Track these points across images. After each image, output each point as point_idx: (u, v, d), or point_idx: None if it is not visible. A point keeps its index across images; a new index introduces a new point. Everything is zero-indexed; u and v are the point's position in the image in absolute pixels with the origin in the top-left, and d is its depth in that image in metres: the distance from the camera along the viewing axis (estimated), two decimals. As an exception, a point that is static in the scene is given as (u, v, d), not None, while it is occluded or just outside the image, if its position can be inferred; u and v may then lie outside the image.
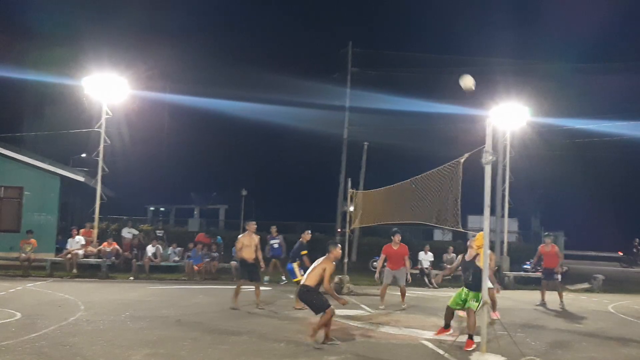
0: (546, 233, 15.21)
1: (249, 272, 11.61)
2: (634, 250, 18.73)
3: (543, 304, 13.88)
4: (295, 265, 12.27)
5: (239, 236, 11.95)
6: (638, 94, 29.98)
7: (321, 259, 8.55)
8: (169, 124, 39.21)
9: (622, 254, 31.54)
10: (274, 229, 17.68)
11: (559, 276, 14.24)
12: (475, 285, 8.42)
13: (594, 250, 36.29)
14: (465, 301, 8.67)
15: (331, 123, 29.95)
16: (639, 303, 15.42)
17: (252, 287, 11.80)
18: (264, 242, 13.88)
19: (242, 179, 36.58)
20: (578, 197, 38.38)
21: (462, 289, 8.87)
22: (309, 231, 13.43)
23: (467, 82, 8.71)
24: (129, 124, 26.92)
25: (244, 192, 31.05)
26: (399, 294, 12.44)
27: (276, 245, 17.35)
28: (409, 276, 12.74)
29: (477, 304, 8.37)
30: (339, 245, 8.85)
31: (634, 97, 29.79)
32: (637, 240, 19.28)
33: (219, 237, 23.64)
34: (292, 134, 34.80)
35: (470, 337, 8.30)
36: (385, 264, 12.71)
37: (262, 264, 12.17)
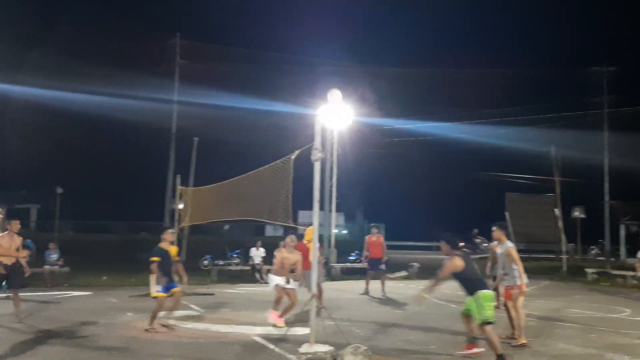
0: (372, 224, 15.88)
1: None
2: (474, 239, 20.72)
3: (367, 292, 14.67)
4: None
5: None
6: (448, 97, 33.12)
7: None
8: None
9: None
10: None
11: (384, 265, 15.05)
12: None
13: (410, 240, 39.68)
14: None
15: (159, 117, 28.69)
16: (449, 287, 16.99)
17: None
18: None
19: (58, 176, 33.33)
20: (397, 191, 41.64)
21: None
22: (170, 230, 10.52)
23: None
24: None
25: (60, 190, 28.37)
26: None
27: None
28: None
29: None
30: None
31: (449, 99, 32.81)
32: (476, 230, 21.33)
33: (28, 240, 21.26)
34: (117, 127, 32.59)
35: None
36: None
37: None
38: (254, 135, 28.86)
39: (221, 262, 21.66)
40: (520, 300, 8.57)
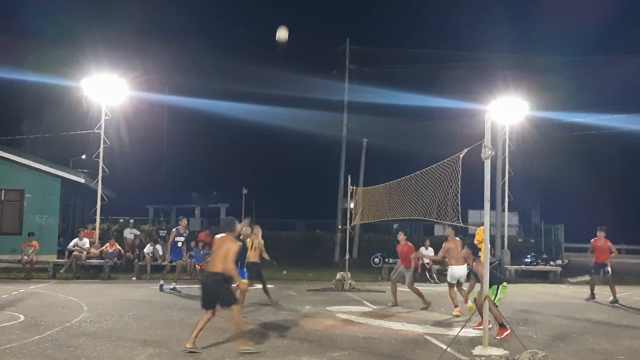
0: (600, 227, 14.09)
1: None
2: None
3: (592, 297, 13.78)
4: None
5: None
6: (635, 86, 29.94)
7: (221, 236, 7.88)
8: (168, 124, 39.24)
9: None
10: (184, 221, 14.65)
11: (609, 269, 13.74)
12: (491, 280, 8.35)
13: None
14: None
15: (330, 121, 29.97)
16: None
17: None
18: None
19: (243, 178, 36.59)
20: (577, 190, 38.43)
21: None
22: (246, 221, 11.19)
23: (282, 34, 9.91)
24: (129, 125, 26.97)
25: (245, 191, 31.08)
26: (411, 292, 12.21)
27: (180, 244, 14.45)
28: (412, 275, 12.22)
29: (493, 295, 8.63)
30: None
31: (631, 89, 29.76)
32: None
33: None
34: (292, 131, 34.79)
35: (502, 326, 8.59)
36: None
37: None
38: (422, 135, 28.78)
39: (392, 260, 21.95)
40: None
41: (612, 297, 13.33)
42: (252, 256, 11.19)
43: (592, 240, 14.14)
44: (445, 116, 30.06)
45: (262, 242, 11.65)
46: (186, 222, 14.58)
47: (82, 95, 19.56)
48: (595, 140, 28.66)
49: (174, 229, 14.64)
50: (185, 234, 14.58)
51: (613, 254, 13.78)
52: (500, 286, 8.96)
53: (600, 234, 13.84)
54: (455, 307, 11.03)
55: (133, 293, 13.56)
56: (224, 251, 7.56)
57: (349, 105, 29.40)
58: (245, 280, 10.03)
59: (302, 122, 31.30)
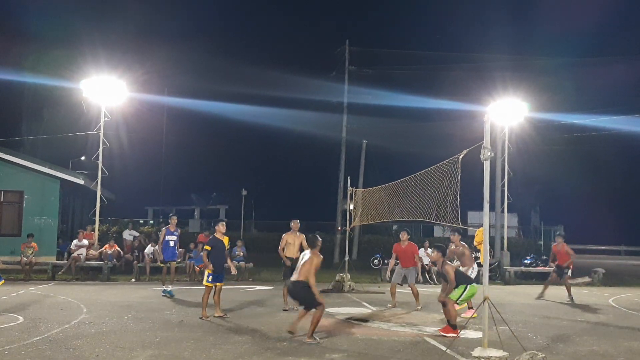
0: (558, 233, 15.32)
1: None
2: None
3: (541, 296, 14.28)
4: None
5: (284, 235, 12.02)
6: (634, 88, 29.99)
7: (308, 252, 8.85)
8: (168, 125, 39.24)
9: None
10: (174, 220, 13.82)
11: (569, 272, 14.44)
12: (460, 280, 9.23)
13: (593, 244, 36.31)
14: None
15: (329, 122, 29.97)
16: (639, 296, 15.47)
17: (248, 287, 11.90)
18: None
19: (242, 180, 36.60)
20: (576, 191, 38.46)
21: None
22: (222, 221, 10.98)
23: None
24: (128, 126, 26.97)
25: (244, 192, 31.06)
26: (411, 293, 12.25)
27: (172, 244, 13.50)
28: (419, 275, 12.65)
29: (458, 294, 9.12)
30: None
31: (630, 91, 29.81)
32: None
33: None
34: (291, 133, 34.87)
35: (453, 327, 8.95)
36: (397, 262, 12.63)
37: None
38: (422, 137, 28.81)
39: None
40: None
41: (567, 297, 13.95)
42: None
43: (553, 245, 15.38)
44: (445, 117, 30.11)
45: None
46: (176, 220, 13.73)
47: (82, 97, 19.52)
48: (595, 142, 28.73)
49: (164, 228, 13.83)
50: (176, 233, 13.54)
51: (572, 257, 14.51)
52: (468, 286, 9.23)
53: (559, 240, 14.83)
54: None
55: (132, 294, 13.53)
56: (307, 265, 8.55)
57: (349, 107, 29.40)
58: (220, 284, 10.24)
59: (301, 124, 31.37)
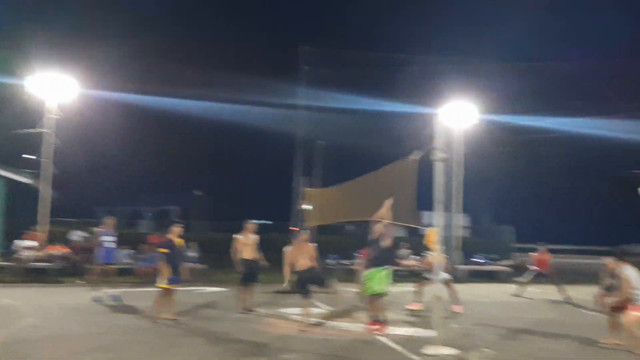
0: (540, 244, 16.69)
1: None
2: None
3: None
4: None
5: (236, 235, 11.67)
6: (580, 91, 31.08)
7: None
8: (119, 123, 38.22)
9: None
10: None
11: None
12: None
13: (543, 243, 37.40)
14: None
15: (285, 122, 29.89)
16: (586, 293, 16.00)
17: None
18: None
19: (195, 180, 36.05)
20: (528, 191, 39.63)
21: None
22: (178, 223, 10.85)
23: None
24: (77, 124, 26.15)
25: (198, 193, 30.65)
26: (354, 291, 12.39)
27: (107, 244, 12.83)
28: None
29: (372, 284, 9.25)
30: None
31: (577, 94, 30.88)
32: None
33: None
34: (246, 133, 34.71)
35: (377, 320, 9.21)
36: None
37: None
38: (378, 138, 29.04)
39: (346, 262, 22.03)
40: None
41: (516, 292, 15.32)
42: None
43: (535, 254, 16.56)
44: (401, 117, 30.40)
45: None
46: (112, 221, 12.85)
47: (26, 93, 18.82)
48: (542, 144, 29.60)
49: (96, 229, 13.11)
50: (113, 234, 12.79)
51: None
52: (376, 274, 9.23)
53: (542, 249, 16.30)
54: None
55: (81, 297, 13.09)
56: (307, 253, 9.91)
57: (305, 107, 29.36)
58: (173, 286, 9.97)
59: (257, 124, 31.13)
